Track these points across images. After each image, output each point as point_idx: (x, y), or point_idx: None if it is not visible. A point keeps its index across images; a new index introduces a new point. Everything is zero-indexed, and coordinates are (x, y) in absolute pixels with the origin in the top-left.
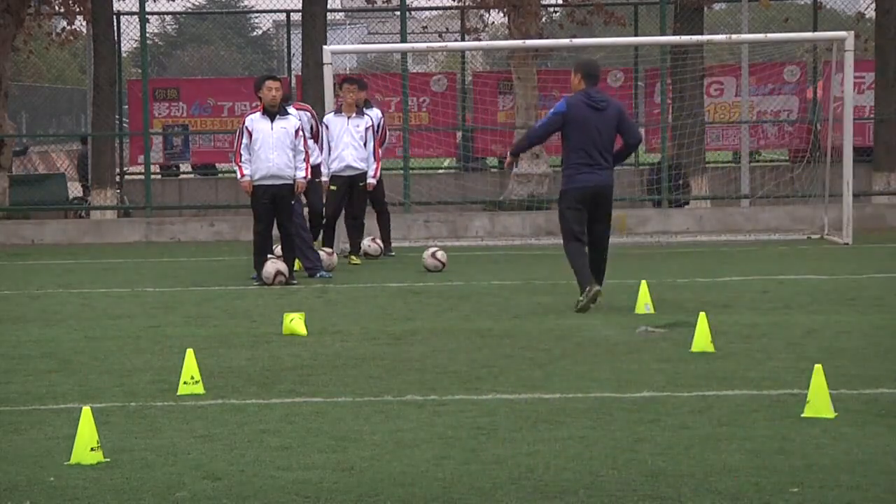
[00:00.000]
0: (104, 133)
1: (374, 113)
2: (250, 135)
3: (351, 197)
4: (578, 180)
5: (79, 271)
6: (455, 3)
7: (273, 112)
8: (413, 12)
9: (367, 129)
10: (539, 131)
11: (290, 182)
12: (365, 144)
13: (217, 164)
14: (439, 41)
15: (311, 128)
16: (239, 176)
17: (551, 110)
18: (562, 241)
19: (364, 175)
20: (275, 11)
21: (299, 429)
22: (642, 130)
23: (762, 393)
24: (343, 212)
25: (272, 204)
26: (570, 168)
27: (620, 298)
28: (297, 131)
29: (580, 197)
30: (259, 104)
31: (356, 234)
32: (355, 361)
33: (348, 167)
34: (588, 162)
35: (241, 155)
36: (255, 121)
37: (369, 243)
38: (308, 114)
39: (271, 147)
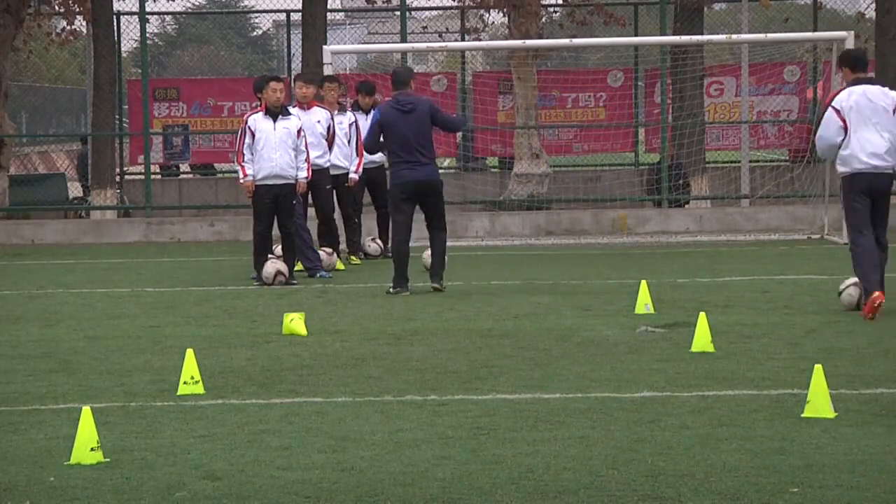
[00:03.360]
0: (104, 133)
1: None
2: (253, 135)
3: (339, 196)
4: (400, 176)
5: (79, 271)
6: (455, 3)
7: (276, 112)
8: (413, 12)
9: (350, 125)
10: (366, 142)
11: (292, 182)
12: (349, 142)
13: (215, 165)
14: (439, 41)
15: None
16: (241, 176)
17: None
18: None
19: (348, 174)
20: (275, 11)
21: (299, 429)
22: (642, 130)
23: (762, 393)
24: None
25: (274, 204)
26: (393, 166)
27: (620, 298)
28: (298, 131)
29: (404, 190)
30: (260, 104)
31: (352, 233)
32: (355, 361)
33: (333, 166)
34: (406, 159)
35: (243, 155)
36: (258, 121)
37: (369, 243)
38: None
39: (274, 147)
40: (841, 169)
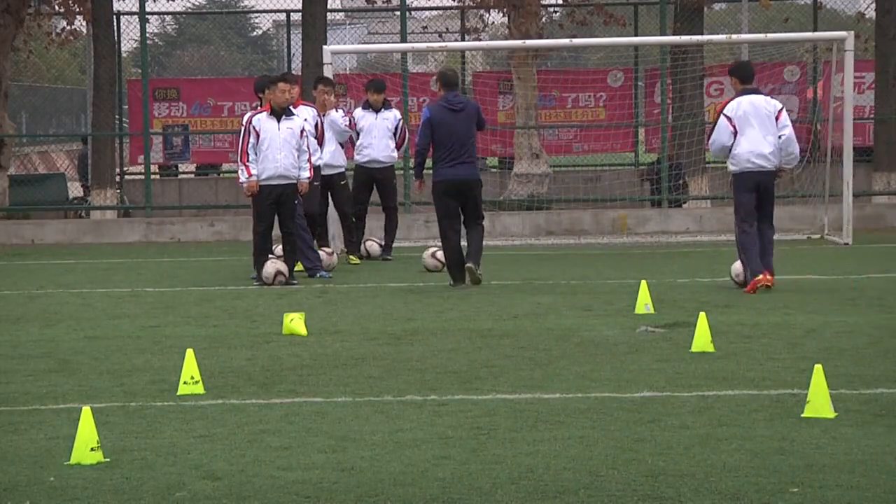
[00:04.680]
0: (104, 133)
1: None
2: (257, 135)
3: (333, 196)
4: (443, 175)
5: (79, 271)
6: (455, 3)
7: (280, 113)
8: (413, 12)
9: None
10: (421, 143)
11: (295, 182)
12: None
13: (214, 165)
14: (439, 41)
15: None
16: (245, 176)
17: (416, 139)
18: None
19: (343, 173)
20: (275, 11)
21: (299, 429)
22: (642, 130)
23: (762, 393)
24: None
25: (275, 204)
26: (436, 164)
27: (620, 298)
28: (301, 131)
29: (448, 188)
30: (261, 104)
31: (349, 233)
32: (355, 361)
33: (327, 165)
34: (450, 158)
35: (248, 155)
36: (263, 121)
37: (371, 243)
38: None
39: (278, 147)
40: (732, 168)
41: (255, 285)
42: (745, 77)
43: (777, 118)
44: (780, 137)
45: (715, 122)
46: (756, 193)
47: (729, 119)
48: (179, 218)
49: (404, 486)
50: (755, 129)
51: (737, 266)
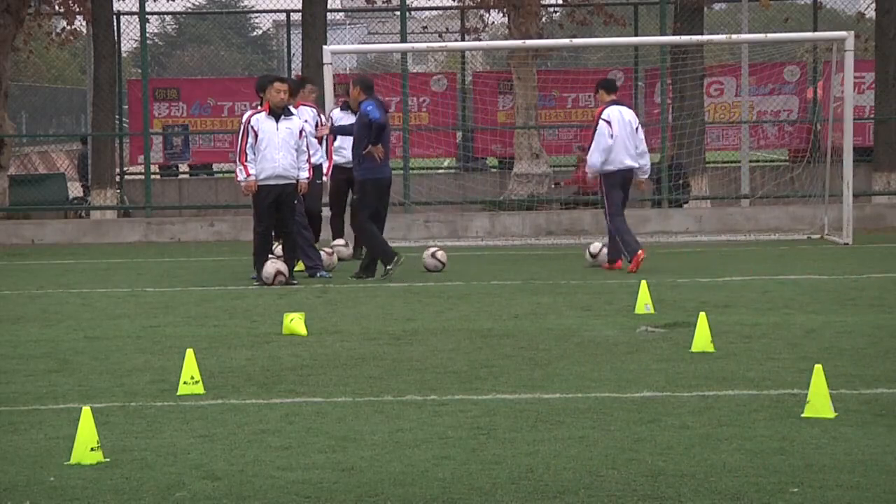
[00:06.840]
0: (104, 133)
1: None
2: (256, 135)
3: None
4: (383, 171)
5: (79, 271)
6: (455, 3)
7: (278, 112)
8: (413, 12)
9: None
10: (381, 122)
11: (294, 182)
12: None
13: (213, 165)
14: (439, 41)
15: (317, 126)
16: (244, 176)
17: (371, 118)
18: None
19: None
20: (275, 11)
21: (299, 429)
22: (643, 130)
23: (762, 393)
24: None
25: (275, 204)
26: (372, 161)
27: (620, 298)
28: (300, 132)
29: (386, 185)
30: (261, 104)
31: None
32: (355, 361)
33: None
34: (386, 156)
35: (246, 154)
36: (261, 121)
37: (341, 249)
38: (315, 111)
39: (277, 147)
40: (606, 167)
41: (255, 285)
42: (610, 89)
43: (636, 130)
44: (636, 147)
45: (595, 131)
46: (623, 189)
47: (608, 123)
48: (179, 218)
49: (404, 486)
50: (623, 135)
51: (594, 246)
